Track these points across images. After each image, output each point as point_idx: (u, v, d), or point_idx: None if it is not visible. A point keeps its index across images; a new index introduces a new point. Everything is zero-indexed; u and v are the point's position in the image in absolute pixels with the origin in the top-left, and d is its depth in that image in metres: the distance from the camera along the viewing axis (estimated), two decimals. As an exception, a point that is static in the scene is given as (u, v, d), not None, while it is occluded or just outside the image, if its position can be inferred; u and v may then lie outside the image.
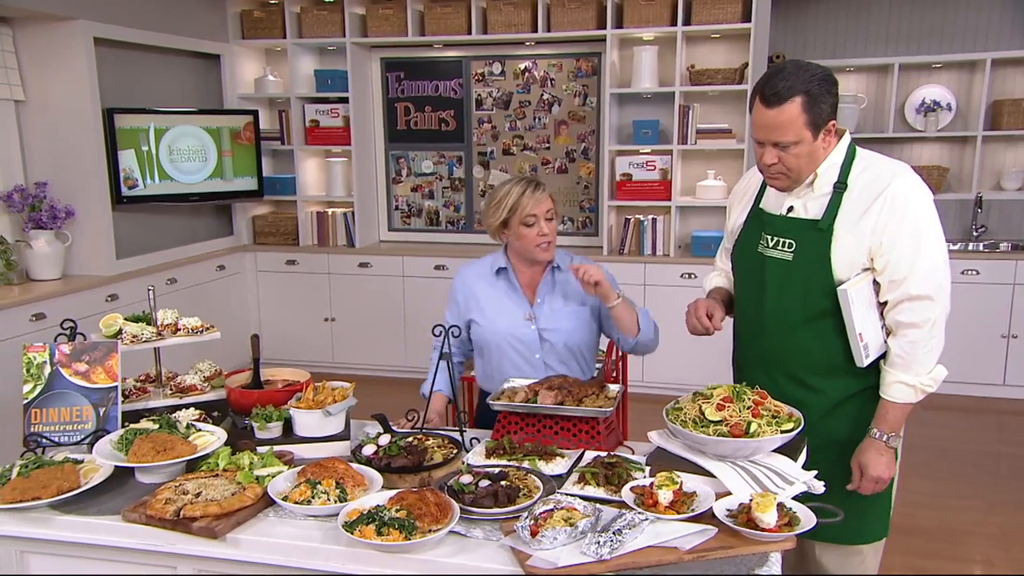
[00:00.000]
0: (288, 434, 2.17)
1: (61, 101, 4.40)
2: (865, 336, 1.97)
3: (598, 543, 1.57)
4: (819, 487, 1.81)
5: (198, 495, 1.79)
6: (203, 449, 2.00)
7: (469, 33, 5.29)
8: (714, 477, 1.83)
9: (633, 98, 5.36)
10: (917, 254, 1.91)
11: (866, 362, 1.99)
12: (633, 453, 2.09)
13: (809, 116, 1.89)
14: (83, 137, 4.45)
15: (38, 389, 2.17)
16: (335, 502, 1.77)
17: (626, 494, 1.77)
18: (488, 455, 2.04)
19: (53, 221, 4.33)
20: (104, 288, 4.44)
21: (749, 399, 1.90)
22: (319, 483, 1.81)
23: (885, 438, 2.00)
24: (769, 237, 2.08)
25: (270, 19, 5.54)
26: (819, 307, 2.00)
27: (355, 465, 1.92)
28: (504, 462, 1.97)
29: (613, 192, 5.30)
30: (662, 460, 1.93)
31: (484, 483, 1.78)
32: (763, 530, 1.61)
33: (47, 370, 2.18)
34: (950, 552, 3.33)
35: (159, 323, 2.45)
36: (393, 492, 1.78)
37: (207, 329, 2.48)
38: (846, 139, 2.01)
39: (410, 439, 2.09)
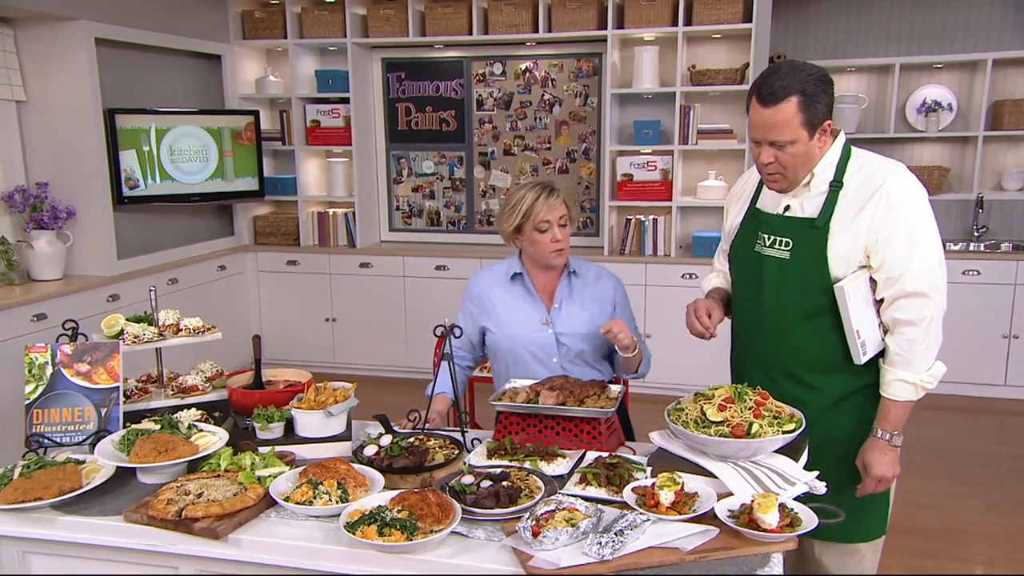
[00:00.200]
0: (290, 435, 2.17)
1: (62, 101, 4.41)
2: (862, 333, 1.98)
3: (600, 544, 1.57)
4: (820, 488, 1.81)
5: (200, 496, 1.79)
6: (205, 450, 2.00)
7: (470, 33, 5.29)
8: (715, 478, 1.83)
9: (634, 98, 5.36)
10: (912, 251, 1.93)
11: (864, 359, 2.00)
12: (634, 454, 2.09)
13: (805, 116, 1.90)
14: (84, 137, 4.45)
15: (40, 389, 2.17)
16: (337, 503, 1.77)
17: (628, 495, 1.77)
18: (490, 456, 2.04)
19: (54, 221, 4.33)
20: (105, 288, 4.45)
21: (751, 400, 1.90)
22: (321, 484, 1.81)
23: (888, 437, 2.00)
24: (766, 236, 2.09)
25: (271, 19, 5.55)
26: (816, 305, 2.01)
27: (357, 466, 1.92)
28: (506, 463, 1.97)
29: (614, 192, 5.30)
30: (663, 461, 1.93)
31: (486, 484, 1.78)
32: (765, 531, 1.61)
33: (49, 371, 2.18)
34: (951, 552, 3.33)
35: (161, 324, 2.45)
36: (395, 493, 1.78)
37: (208, 330, 2.48)
38: (841, 138, 2.03)
39: (411, 440, 2.09)
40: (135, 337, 2.34)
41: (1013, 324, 4.95)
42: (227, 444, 2.03)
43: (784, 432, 1.85)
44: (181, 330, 2.46)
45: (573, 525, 1.61)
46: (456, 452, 2.06)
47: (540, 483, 1.84)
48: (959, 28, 5.26)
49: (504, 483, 1.79)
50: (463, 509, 1.72)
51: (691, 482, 1.79)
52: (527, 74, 5.58)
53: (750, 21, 4.81)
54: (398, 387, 5.19)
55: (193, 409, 2.26)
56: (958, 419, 4.83)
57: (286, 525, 1.77)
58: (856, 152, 2.04)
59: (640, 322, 3.95)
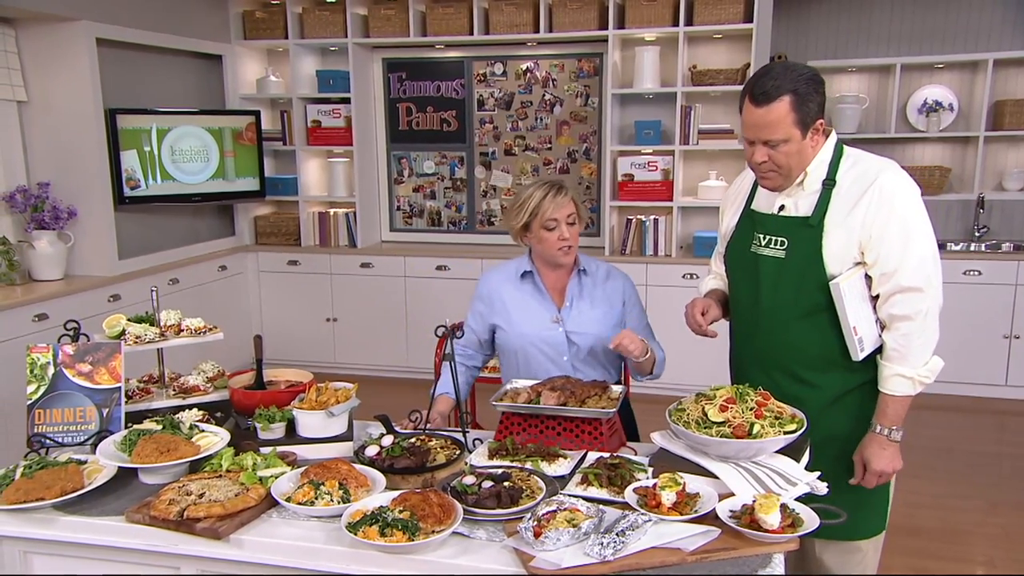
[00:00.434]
0: (291, 435, 2.17)
1: (63, 102, 4.41)
2: (859, 330, 1.99)
3: (601, 544, 1.57)
4: (822, 488, 1.82)
5: (201, 496, 1.79)
6: (206, 450, 2.00)
7: (471, 33, 5.29)
8: (717, 478, 1.83)
9: (635, 98, 5.36)
10: (906, 246, 1.94)
11: (861, 356, 2.01)
12: (636, 454, 2.09)
13: (797, 115, 1.93)
14: (85, 138, 4.45)
15: (42, 390, 2.17)
16: (338, 503, 1.77)
17: (629, 495, 1.78)
18: (491, 456, 2.04)
19: (55, 221, 4.34)
20: (106, 288, 4.45)
21: (752, 400, 1.90)
22: (322, 484, 1.81)
23: (887, 432, 2.01)
24: (761, 236, 2.10)
25: (272, 20, 5.55)
26: (813, 302, 2.02)
27: (358, 466, 1.92)
28: (507, 463, 1.98)
29: (615, 192, 5.30)
30: (665, 461, 1.93)
31: (487, 484, 1.78)
32: (766, 531, 1.61)
33: (51, 371, 2.18)
34: (952, 553, 3.33)
35: (162, 324, 2.45)
36: (396, 493, 1.78)
37: (210, 330, 2.48)
38: (833, 137, 2.05)
39: (413, 440, 2.09)
40: (137, 337, 2.34)
41: (1014, 324, 4.95)
42: (229, 444, 2.03)
43: (785, 433, 1.85)
44: (182, 330, 2.46)
45: (575, 526, 1.62)
46: (457, 452, 2.06)
47: (541, 484, 1.84)
48: (960, 28, 5.26)
49: (505, 483, 1.79)
50: (464, 509, 1.72)
51: (692, 483, 1.79)
52: (528, 74, 5.58)
53: (751, 21, 4.81)
54: (399, 387, 5.20)
55: (195, 409, 2.26)
56: (959, 419, 4.83)
57: (288, 525, 1.77)
58: (848, 150, 2.06)
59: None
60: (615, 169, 5.28)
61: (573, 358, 2.48)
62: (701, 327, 2.18)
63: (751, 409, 1.88)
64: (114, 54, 4.65)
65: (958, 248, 5.22)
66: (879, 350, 2.03)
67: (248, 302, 5.75)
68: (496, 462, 1.99)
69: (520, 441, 2.09)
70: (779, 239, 2.06)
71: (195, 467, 1.99)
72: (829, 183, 2.00)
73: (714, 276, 2.41)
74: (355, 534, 1.64)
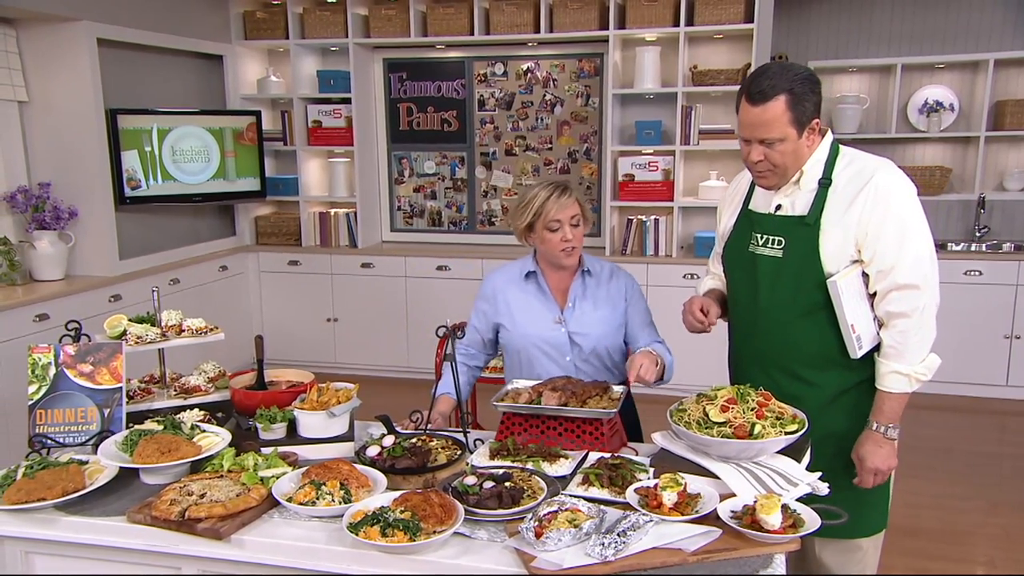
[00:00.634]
0: (292, 435, 2.17)
1: (64, 102, 4.41)
2: (857, 328, 2.00)
3: (602, 544, 1.57)
4: (823, 489, 1.82)
5: (203, 496, 1.80)
6: (208, 450, 2.00)
7: (471, 34, 5.29)
8: (718, 479, 1.83)
9: (635, 99, 5.36)
10: (902, 244, 1.95)
11: (859, 353, 2.02)
12: (637, 454, 2.09)
13: (793, 114, 1.94)
14: (86, 138, 4.45)
15: (43, 390, 2.17)
16: (339, 503, 1.77)
17: (630, 495, 1.78)
18: (492, 456, 2.04)
19: (56, 222, 4.34)
20: (107, 288, 4.45)
21: (753, 400, 1.91)
22: (323, 484, 1.81)
23: (883, 429, 2.02)
24: (759, 236, 2.12)
25: (272, 20, 5.55)
26: (811, 301, 2.03)
27: (359, 466, 1.93)
28: (508, 463, 1.98)
29: (616, 193, 5.30)
30: (666, 461, 1.94)
31: (488, 484, 1.78)
32: (767, 532, 1.61)
33: (52, 371, 2.18)
34: (952, 553, 3.33)
35: (163, 324, 2.45)
36: (397, 493, 1.78)
37: (211, 330, 2.48)
38: (829, 137, 2.07)
39: (414, 440, 2.09)
40: (138, 338, 2.34)
41: (1015, 324, 4.95)
42: (230, 445, 2.03)
43: (787, 433, 1.85)
44: (184, 331, 2.46)
45: (576, 526, 1.62)
46: (459, 453, 2.06)
47: (543, 484, 1.84)
48: (960, 28, 5.26)
49: (507, 484, 1.79)
50: (466, 510, 1.72)
51: (694, 483, 1.80)
52: (528, 74, 5.58)
53: (752, 21, 4.81)
54: (399, 387, 5.20)
55: (196, 410, 2.26)
56: (959, 419, 4.83)
57: (289, 526, 1.77)
58: (844, 150, 2.08)
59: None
60: (616, 169, 5.28)
61: (576, 358, 2.48)
62: (703, 323, 2.19)
63: (752, 409, 1.88)
64: (115, 54, 4.66)
65: (959, 248, 5.21)
66: (877, 348, 2.04)
67: (249, 302, 5.75)
68: (497, 462, 1.99)
69: (521, 441, 2.09)
70: (776, 238, 2.07)
71: (196, 467, 1.99)
72: (825, 182, 2.02)
73: (712, 276, 2.42)
74: (356, 534, 1.64)
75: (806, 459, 1.93)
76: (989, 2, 5.20)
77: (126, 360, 2.22)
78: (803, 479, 1.82)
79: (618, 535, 1.58)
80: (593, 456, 2.03)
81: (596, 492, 1.84)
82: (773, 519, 1.62)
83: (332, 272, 5.66)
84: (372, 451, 2.01)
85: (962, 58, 5.19)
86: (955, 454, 4.32)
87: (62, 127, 4.43)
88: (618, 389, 2.24)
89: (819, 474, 1.86)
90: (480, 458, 2.04)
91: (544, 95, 5.59)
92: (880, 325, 2.03)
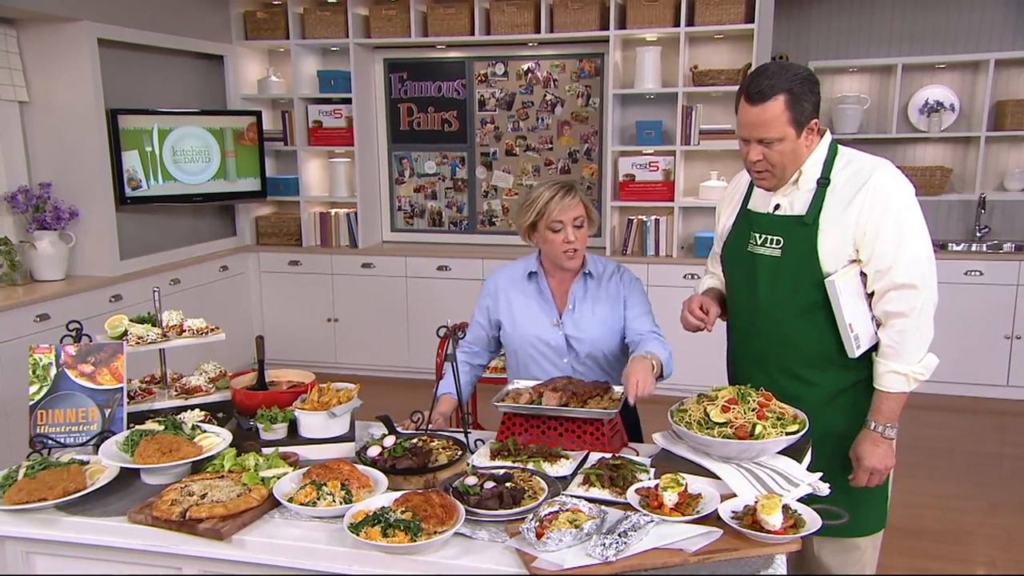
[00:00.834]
0: (293, 436, 2.17)
1: (65, 102, 4.41)
2: (855, 327, 2.00)
3: (603, 545, 1.57)
4: (824, 489, 1.82)
5: (204, 496, 1.80)
6: (208, 450, 2.00)
7: (472, 34, 5.29)
8: (719, 479, 1.83)
9: (636, 99, 5.36)
10: (900, 244, 1.96)
11: (857, 353, 2.03)
12: (638, 455, 2.09)
13: (792, 114, 1.95)
14: (87, 138, 4.46)
15: (44, 390, 2.17)
16: (340, 504, 1.77)
17: (631, 496, 1.78)
18: (493, 456, 2.04)
19: (57, 222, 4.34)
20: (108, 289, 4.45)
21: (754, 401, 1.91)
22: (324, 484, 1.81)
23: (881, 429, 2.03)
24: (758, 235, 2.12)
25: (273, 20, 5.55)
26: (810, 300, 2.04)
27: (360, 466, 1.93)
28: (509, 464, 1.98)
29: (616, 193, 5.30)
30: (667, 462, 1.94)
31: (489, 485, 1.78)
32: (768, 532, 1.61)
33: (53, 371, 2.18)
34: (953, 553, 3.33)
35: (164, 324, 2.45)
36: (398, 494, 1.78)
37: (212, 331, 2.48)
38: (827, 137, 2.07)
39: (415, 441, 2.09)
40: (139, 338, 2.34)
41: (1015, 325, 4.94)
42: (231, 445, 2.04)
43: (787, 434, 1.85)
44: (184, 331, 2.46)
45: (577, 526, 1.62)
46: (459, 453, 2.06)
47: (543, 484, 1.84)
48: (961, 28, 5.26)
49: (507, 484, 1.79)
50: (467, 510, 1.72)
51: (694, 483, 1.80)
52: (529, 74, 5.58)
53: (752, 21, 4.81)
54: (400, 388, 5.20)
55: (197, 410, 2.26)
56: (960, 420, 4.83)
57: (290, 526, 1.77)
58: (843, 150, 2.08)
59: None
60: (616, 169, 5.28)
61: (572, 361, 2.48)
62: (704, 322, 2.19)
63: (753, 410, 1.88)
64: (115, 54, 4.66)
65: (959, 248, 5.21)
66: (875, 347, 2.04)
67: (249, 302, 5.75)
68: (498, 463, 1.99)
69: (522, 442, 2.09)
70: (775, 238, 2.08)
71: (197, 468, 1.99)
72: (824, 182, 2.03)
73: (711, 276, 2.43)
74: (357, 535, 1.64)
75: (807, 459, 1.93)
76: (990, 2, 5.19)
77: (127, 360, 2.22)
78: (804, 479, 1.82)
79: (619, 535, 1.59)
80: (594, 456, 2.03)
81: (597, 492, 1.84)
82: (774, 519, 1.62)
83: (333, 272, 5.66)
84: (373, 451, 2.01)
85: (963, 58, 5.19)
86: (956, 454, 4.32)
87: (63, 127, 4.44)
88: (619, 389, 2.24)
89: (820, 474, 1.86)
90: (481, 458, 2.04)
91: (544, 95, 5.59)
92: (878, 325, 2.03)
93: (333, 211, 5.80)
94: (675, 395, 2.27)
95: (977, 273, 4.94)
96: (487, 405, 2.54)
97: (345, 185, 5.80)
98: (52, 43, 4.34)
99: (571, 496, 1.76)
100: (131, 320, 2.44)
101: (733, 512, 1.70)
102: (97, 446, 2.08)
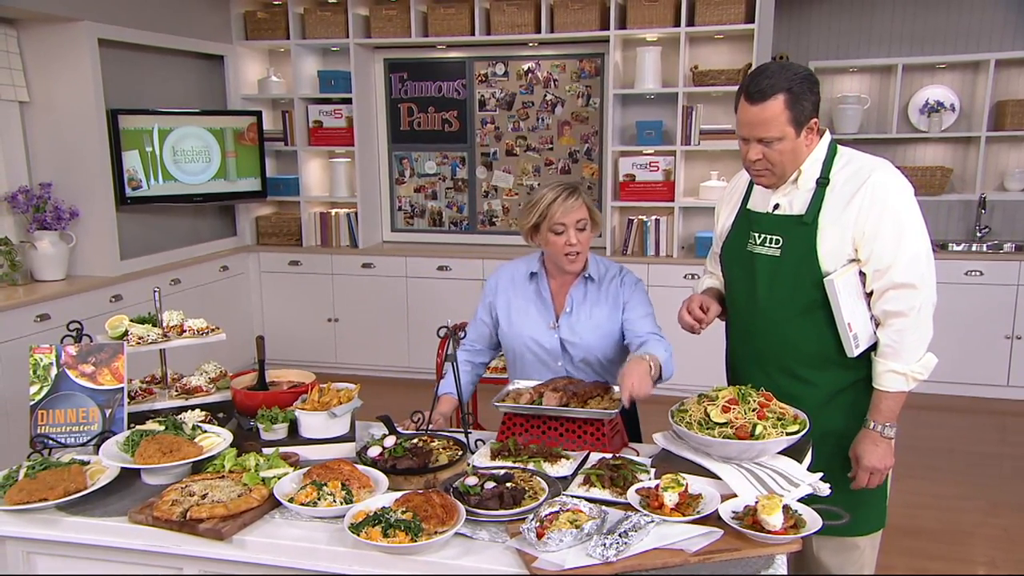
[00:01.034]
0: (293, 436, 2.17)
1: (65, 102, 4.41)
2: (854, 326, 2.01)
3: (604, 545, 1.57)
4: (824, 489, 1.82)
5: (204, 496, 1.80)
6: (209, 451, 2.00)
7: (472, 34, 5.29)
8: (719, 479, 1.83)
9: (636, 99, 5.36)
10: (899, 243, 1.96)
11: (856, 352, 2.03)
12: (638, 455, 2.09)
13: (791, 113, 1.95)
14: (87, 138, 4.46)
15: (44, 390, 2.17)
16: (341, 504, 1.77)
17: (632, 496, 1.78)
18: (493, 457, 2.04)
19: (57, 222, 4.34)
20: (108, 289, 4.45)
21: (755, 401, 1.91)
22: (325, 485, 1.81)
23: (880, 428, 2.03)
24: (757, 235, 2.13)
25: (273, 20, 5.55)
26: (809, 300, 2.04)
27: (360, 467, 1.93)
28: (509, 464, 1.98)
29: (616, 193, 5.30)
30: (667, 462, 1.94)
31: (489, 485, 1.78)
32: (769, 532, 1.61)
33: (53, 371, 2.18)
34: (953, 553, 3.33)
35: (164, 325, 2.45)
36: (399, 494, 1.78)
37: (213, 331, 2.48)
38: (827, 137, 2.08)
39: (415, 441, 2.09)
40: (139, 338, 2.34)
41: (1016, 325, 4.94)
42: (231, 445, 2.04)
43: (788, 434, 1.85)
44: (185, 331, 2.46)
45: (577, 527, 1.62)
46: (460, 453, 2.06)
47: (544, 484, 1.84)
48: (961, 29, 5.26)
49: (508, 484, 1.79)
50: (467, 510, 1.72)
51: (695, 484, 1.80)
52: (529, 74, 5.58)
53: (752, 22, 4.81)
54: (400, 388, 5.20)
55: (197, 410, 2.26)
56: (960, 420, 4.83)
57: (290, 526, 1.77)
58: (842, 150, 2.09)
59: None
60: (616, 169, 5.28)
61: (567, 364, 2.46)
62: (701, 323, 2.20)
63: (754, 410, 1.88)
64: (116, 54, 4.66)
65: (959, 248, 5.21)
66: (874, 347, 2.05)
67: (249, 302, 5.75)
68: (498, 463, 1.99)
69: (522, 442, 2.09)
70: (774, 237, 2.08)
71: (198, 468, 1.99)
72: (823, 181, 2.03)
73: (709, 276, 2.43)
74: (358, 535, 1.64)
75: (807, 460, 1.93)
76: (990, 2, 5.20)
77: (127, 360, 2.22)
78: (804, 480, 1.82)
79: (619, 536, 1.59)
80: (594, 457, 2.03)
81: (597, 493, 1.84)
82: (774, 520, 1.62)
83: (333, 272, 5.66)
84: (373, 451, 2.01)
85: (963, 58, 5.19)
86: (956, 454, 4.32)
87: (63, 127, 4.44)
88: (619, 390, 2.23)
89: (820, 475, 1.86)
90: (481, 459, 2.04)
91: (545, 95, 5.59)
92: (877, 324, 2.04)
93: (333, 211, 5.80)
94: (675, 395, 2.27)
95: (977, 273, 4.94)
96: (487, 405, 2.54)
97: (345, 185, 5.80)
98: (52, 43, 4.34)
99: (571, 496, 1.77)
100: (131, 320, 2.44)
101: (733, 512, 1.70)
102: (98, 446, 2.08)
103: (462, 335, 2.30)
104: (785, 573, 1.58)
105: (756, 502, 1.67)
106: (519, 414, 2.18)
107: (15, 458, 2.23)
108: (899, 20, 5.35)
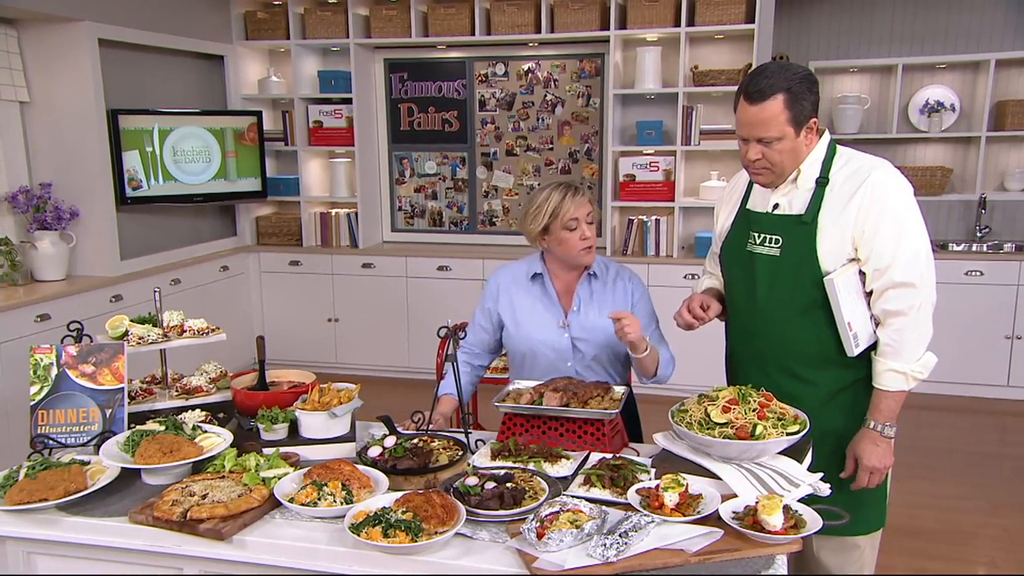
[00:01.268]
0: (294, 436, 2.17)
1: (66, 102, 4.41)
2: (854, 325, 2.01)
3: (604, 545, 1.57)
4: (825, 490, 1.82)
5: (204, 497, 1.80)
6: (209, 451, 2.01)
7: (472, 34, 5.29)
8: (720, 479, 1.83)
9: (636, 99, 5.36)
10: (899, 242, 1.97)
11: (856, 351, 2.03)
12: (638, 455, 2.09)
13: (791, 113, 1.96)
14: (87, 138, 4.46)
15: (45, 390, 2.17)
16: (341, 504, 1.77)
17: (632, 496, 1.78)
18: (494, 457, 2.04)
19: (58, 222, 4.34)
20: (108, 289, 4.45)
21: (755, 401, 1.91)
22: (325, 485, 1.81)
23: (880, 428, 2.03)
24: (756, 235, 2.13)
25: (273, 20, 5.55)
26: (809, 299, 2.04)
27: (361, 467, 1.93)
28: (510, 464, 1.98)
29: (616, 193, 5.30)
30: (667, 462, 1.94)
31: (490, 485, 1.78)
32: (769, 532, 1.61)
33: (54, 372, 2.18)
34: (953, 553, 3.33)
35: (165, 325, 2.45)
36: (399, 494, 1.78)
37: (213, 331, 2.48)
38: (826, 137, 2.08)
39: (416, 441, 2.09)
40: (140, 338, 2.34)
41: (1016, 325, 4.94)
42: (231, 445, 2.04)
43: (788, 434, 1.85)
44: (185, 331, 2.46)
45: (577, 527, 1.62)
46: (460, 453, 2.06)
47: (544, 484, 1.84)
48: (962, 29, 5.26)
49: (508, 484, 1.79)
50: (467, 510, 1.72)
51: (695, 484, 1.80)
52: (529, 75, 5.58)
53: (753, 22, 4.81)
54: (400, 388, 5.20)
55: (197, 410, 2.26)
56: (960, 420, 4.83)
57: (291, 526, 1.77)
58: (841, 149, 2.09)
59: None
60: (616, 169, 5.28)
61: (577, 363, 2.46)
62: (701, 320, 2.21)
63: (754, 410, 1.88)
64: (116, 55, 4.66)
65: (960, 249, 5.22)
66: (874, 346, 2.05)
67: (250, 302, 5.75)
68: (499, 463, 1.99)
69: (523, 442, 2.09)
70: (774, 237, 2.09)
71: (198, 468, 1.99)
72: (822, 181, 2.03)
73: (709, 276, 2.43)
74: (358, 535, 1.64)
75: (807, 460, 1.93)
76: (990, 2, 5.20)
77: (128, 360, 2.22)
78: (805, 480, 1.82)
79: (620, 536, 1.59)
80: (595, 457, 2.03)
81: (598, 493, 1.84)
82: (775, 520, 1.62)
83: (333, 272, 5.66)
84: (374, 452, 2.01)
85: (963, 58, 5.19)
86: (956, 454, 4.32)
87: (63, 127, 4.44)
88: (619, 390, 2.24)
89: (821, 475, 1.86)
90: (482, 459, 2.04)
91: (545, 95, 5.59)
92: (876, 323, 2.04)
93: (333, 211, 5.80)
94: (675, 395, 2.27)
95: (977, 273, 4.94)
96: (488, 405, 2.54)
97: (345, 185, 5.80)
98: (53, 43, 4.34)
99: (572, 496, 1.77)
100: (132, 320, 2.44)
101: (734, 512, 1.70)
102: (98, 446, 2.08)
103: (462, 335, 2.30)
104: (785, 573, 1.58)
105: (756, 502, 1.67)
106: (519, 414, 2.18)
107: (15, 458, 2.23)
108: (899, 20, 5.35)
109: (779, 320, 2.10)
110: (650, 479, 1.87)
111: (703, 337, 2.33)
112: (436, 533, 1.65)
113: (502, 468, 1.92)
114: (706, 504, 1.74)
